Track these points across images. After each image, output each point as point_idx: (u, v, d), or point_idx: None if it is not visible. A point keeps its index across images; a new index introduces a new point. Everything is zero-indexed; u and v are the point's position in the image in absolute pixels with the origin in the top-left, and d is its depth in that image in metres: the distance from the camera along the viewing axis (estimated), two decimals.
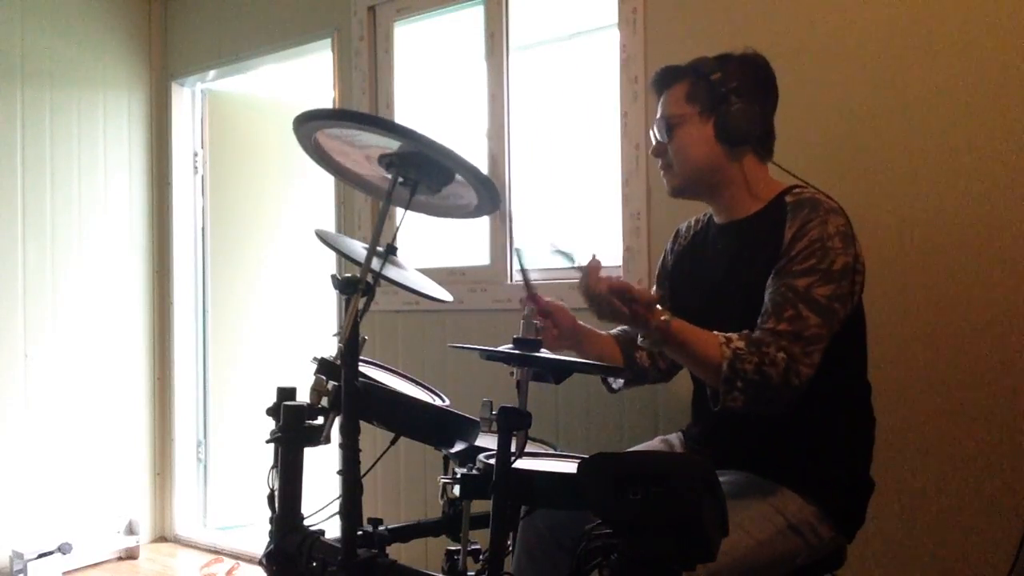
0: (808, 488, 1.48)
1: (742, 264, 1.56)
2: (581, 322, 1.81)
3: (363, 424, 1.44)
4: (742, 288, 1.54)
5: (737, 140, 1.56)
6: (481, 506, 1.44)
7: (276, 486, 1.59)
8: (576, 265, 1.52)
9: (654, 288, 1.87)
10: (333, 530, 1.47)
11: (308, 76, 3.68)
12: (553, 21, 2.93)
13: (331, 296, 3.17)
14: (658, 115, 1.64)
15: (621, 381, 1.87)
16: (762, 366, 1.35)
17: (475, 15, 2.82)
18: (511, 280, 2.73)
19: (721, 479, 1.47)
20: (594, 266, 1.45)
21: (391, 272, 1.52)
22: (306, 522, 1.58)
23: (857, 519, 1.54)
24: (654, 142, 1.66)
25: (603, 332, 1.86)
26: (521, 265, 1.68)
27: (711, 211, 1.71)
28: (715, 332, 1.41)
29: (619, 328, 1.88)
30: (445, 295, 1.71)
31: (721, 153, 1.57)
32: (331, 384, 1.49)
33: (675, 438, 1.78)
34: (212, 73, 3.74)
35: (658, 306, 1.39)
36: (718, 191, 1.62)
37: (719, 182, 1.60)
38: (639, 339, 1.41)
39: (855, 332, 1.54)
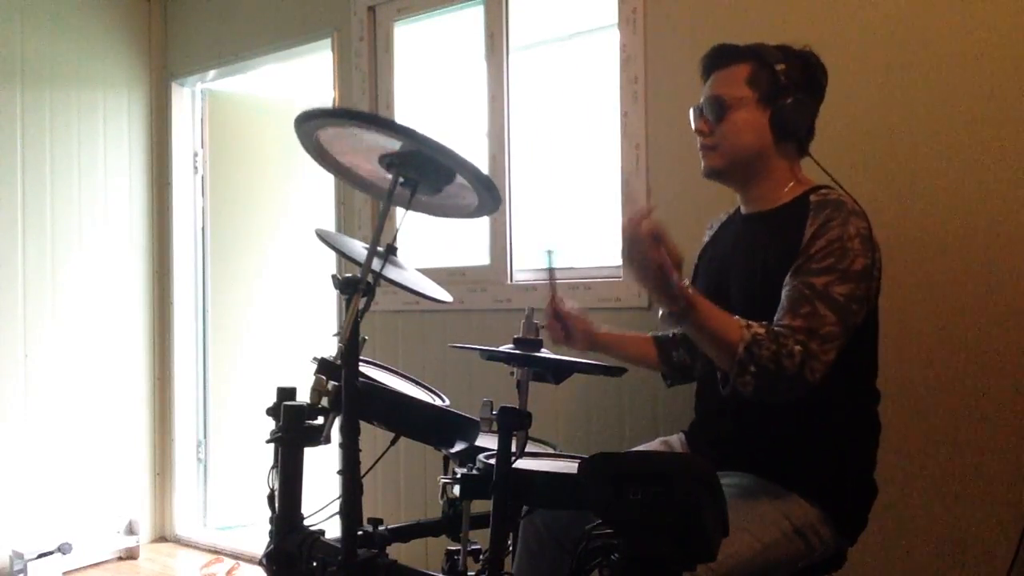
0: (813, 492, 1.48)
1: (755, 253, 1.56)
2: (606, 328, 1.83)
3: (363, 424, 1.44)
4: (752, 277, 1.54)
5: (789, 134, 1.56)
6: (481, 506, 1.44)
7: (276, 486, 1.60)
8: (549, 267, 1.51)
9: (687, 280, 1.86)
10: (333, 530, 1.47)
11: (308, 76, 3.68)
12: (553, 21, 2.93)
13: (331, 296, 3.17)
14: (709, 93, 1.60)
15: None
16: (779, 356, 1.34)
17: (475, 15, 2.82)
18: (511, 280, 2.73)
19: (726, 481, 1.48)
20: (645, 208, 1.40)
21: (391, 272, 1.52)
22: (306, 522, 1.59)
23: (860, 523, 1.54)
24: (694, 122, 1.62)
25: (638, 334, 1.87)
26: (550, 266, 1.67)
27: (740, 203, 1.71)
28: (736, 316, 1.39)
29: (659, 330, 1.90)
30: (445, 295, 1.71)
31: (771, 143, 1.56)
32: (331, 384, 1.49)
33: (676, 440, 1.77)
34: (212, 73, 3.74)
35: (685, 280, 1.36)
36: (755, 180, 1.61)
37: (759, 171, 1.59)
38: (659, 313, 1.39)
39: (866, 339, 1.53)
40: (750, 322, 1.37)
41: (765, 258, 1.52)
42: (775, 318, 1.42)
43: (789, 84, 1.53)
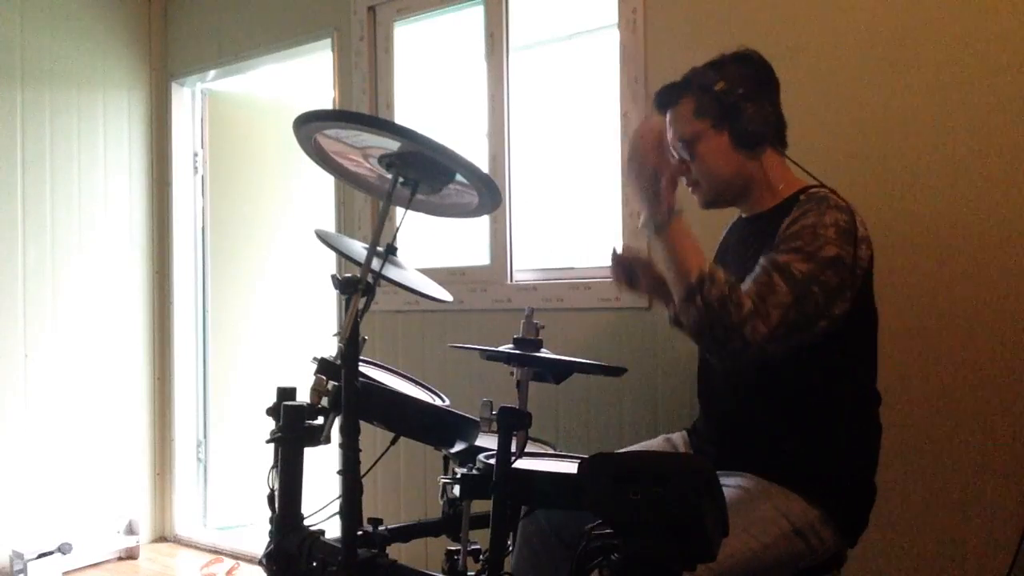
0: (813, 492, 1.48)
1: (749, 254, 1.57)
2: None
3: (363, 424, 1.44)
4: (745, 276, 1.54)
5: (756, 143, 1.57)
6: (481, 506, 1.44)
7: (276, 486, 1.60)
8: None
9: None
10: (333, 530, 1.47)
11: (308, 76, 3.68)
12: (553, 21, 2.93)
13: (331, 296, 3.17)
14: (671, 136, 1.63)
15: None
16: (727, 300, 1.35)
17: (475, 15, 2.82)
18: (511, 280, 2.73)
19: (727, 481, 1.48)
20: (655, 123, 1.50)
21: (391, 272, 1.52)
22: (306, 522, 1.59)
23: (860, 523, 1.54)
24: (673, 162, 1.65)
25: None
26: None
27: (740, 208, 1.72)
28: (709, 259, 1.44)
29: None
30: (445, 295, 1.71)
31: (743, 158, 1.58)
32: (331, 384, 1.49)
33: (679, 437, 1.77)
34: (212, 73, 3.74)
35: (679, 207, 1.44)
36: (746, 193, 1.63)
37: (747, 184, 1.61)
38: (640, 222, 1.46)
39: (864, 340, 1.53)
40: (719, 266, 1.41)
41: (754, 260, 1.52)
42: None
43: (735, 97, 1.54)
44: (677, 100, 1.61)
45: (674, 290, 1.44)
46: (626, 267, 1.69)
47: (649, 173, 1.43)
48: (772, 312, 1.36)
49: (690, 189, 1.66)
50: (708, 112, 1.56)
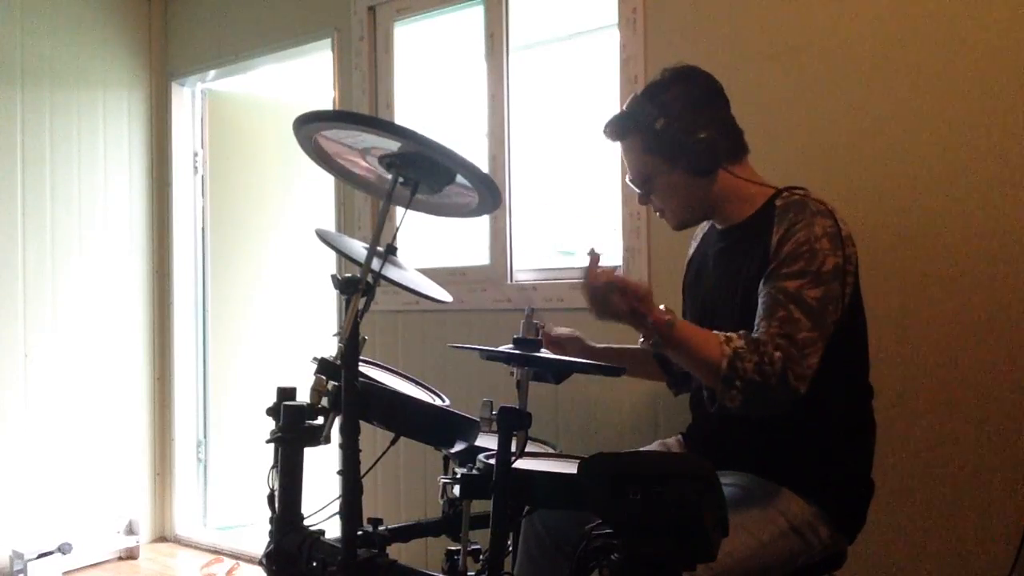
0: (810, 490, 1.48)
1: (733, 268, 1.57)
2: (604, 344, 1.84)
3: (363, 424, 1.44)
4: (734, 291, 1.54)
5: (711, 167, 1.55)
6: (481, 506, 1.44)
7: (276, 486, 1.60)
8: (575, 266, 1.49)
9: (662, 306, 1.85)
10: (333, 530, 1.47)
11: (308, 76, 3.68)
12: (553, 21, 2.93)
13: (331, 296, 3.17)
14: (628, 168, 1.63)
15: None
16: (761, 365, 1.34)
17: (475, 15, 2.82)
18: (511, 280, 2.73)
19: (723, 480, 1.47)
20: (594, 258, 1.43)
21: (391, 272, 1.52)
22: (306, 522, 1.59)
23: (858, 520, 1.55)
24: (636, 191, 1.65)
25: (637, 347, 1.85)
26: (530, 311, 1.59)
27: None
28: (715, 332, 1.40)
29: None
30: (445, 295, 1.71)
31: (702, 183, 1.56)
32: (331, 384, 1.49)
33: (673, 441, 1.78)
34: (212, 73, 3.74)
35: (661, 306, 1.39)
36: (715, 210, 1.63)
37: (715, 203, 1.60)
38: (639, 340, 1.40)
39: (856, 335, 1.53)
40: (729, 335, 1.38)
41: (745, 271, 1.53)
42: (754, 326, 1.43)
43: (679, 129, 1.52)
44: (624, 136, 1.60)
45: (706, 381, 1.41)
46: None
47: (626, 314, 1.38)
48: (803, 351, 1.36)
49: (658, 215, 1.66)
50: (656, 150, 1.55)
